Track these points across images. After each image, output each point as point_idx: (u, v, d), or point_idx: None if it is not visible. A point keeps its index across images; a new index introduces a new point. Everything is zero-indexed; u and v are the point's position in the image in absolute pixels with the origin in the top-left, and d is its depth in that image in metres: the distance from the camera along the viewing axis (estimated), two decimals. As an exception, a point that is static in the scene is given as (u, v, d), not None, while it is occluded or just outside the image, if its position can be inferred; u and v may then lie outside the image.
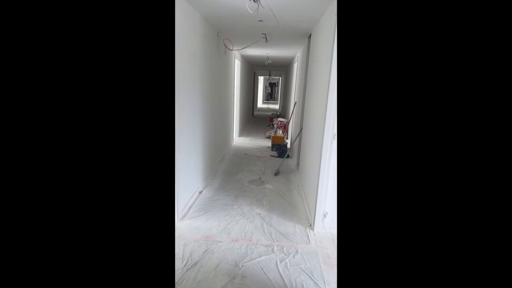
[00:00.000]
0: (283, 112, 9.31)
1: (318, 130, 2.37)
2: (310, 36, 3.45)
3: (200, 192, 3.02)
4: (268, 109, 14.53)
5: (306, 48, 3.70)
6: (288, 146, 5.39)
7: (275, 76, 13.28)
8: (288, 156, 4.73)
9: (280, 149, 4.85)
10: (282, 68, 9.40)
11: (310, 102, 3.05)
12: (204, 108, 3.07)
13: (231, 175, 3.71)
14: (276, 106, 16.43)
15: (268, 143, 5.91)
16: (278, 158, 4.65)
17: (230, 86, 4.77)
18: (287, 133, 6.50)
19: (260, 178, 3.63)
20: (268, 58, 5.68)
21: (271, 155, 4.83)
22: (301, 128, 3.80)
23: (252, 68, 9.30)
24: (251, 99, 10.14)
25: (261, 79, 15.54)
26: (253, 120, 9.72)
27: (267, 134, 6.52)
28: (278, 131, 6.15)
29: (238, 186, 3.30)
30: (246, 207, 2.73)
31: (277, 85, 18.77)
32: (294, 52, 5.26)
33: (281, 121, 6.67)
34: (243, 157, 4.65)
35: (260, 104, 16.48)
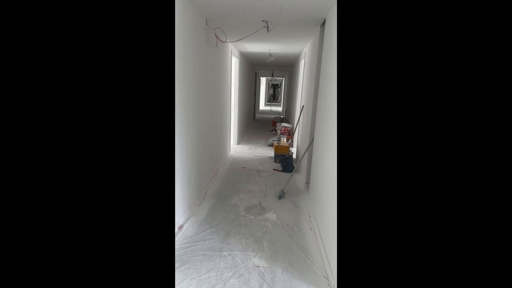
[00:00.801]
0: (287, 116, 8.54)
1: (335, 143, 1.62)
2: (324, 23, 2.70)
3: (180, 227, 2.28)
4: (271, 112, 13.77)
5: (318, 40, 2.95)
6: (294, 156, 4.63)
7: (278, 77, 12.56)
8: (294, 170, 3.98)
9: (284, 161, 4.10)
10: (286, 67, 8.65)
11: (325, 107, 2.30)
12: (189, 114, 2.33)
13: (223, 198, 2.96)
14: (279, 108, 15.68)
15: (271, 152, 5.16)
16: (283, 173, 3.90)
17: (225, 86, 4.03)
18: (292, 140, 5.74)
19: (260, 203, 2.88)
20: (270, 55, 4.95)
21: (274, 169, 4.08)
22: (312, 139, 3.04)
23: (253, 67, 8.57)
24: (252, 102, 9.40)
25: (263, 80, 14.80)
26: (254, 124, 8.98)
27: (269, 141, 5.77)
28: (282, 138, 5.40)
29: (231, 217, 2.55)
30: (240, 254, 1.98)
31: (280, 86, 18.09)
32: (301, 48, 4.51)
33: (285, 127, 5.91)
34: (241, 172, 3.90)
35: (262, 106, 15.74)
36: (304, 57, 4.36)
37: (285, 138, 5.41)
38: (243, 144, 5.86)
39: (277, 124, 7.54)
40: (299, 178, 3.72)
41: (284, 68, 8.74)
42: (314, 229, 2.34)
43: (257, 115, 11.30)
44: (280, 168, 4.08)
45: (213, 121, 3.44)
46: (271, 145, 5.71)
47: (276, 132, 6.61)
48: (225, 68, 3.91)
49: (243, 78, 6.19)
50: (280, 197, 3.01)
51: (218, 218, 2.50)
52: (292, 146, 5.59)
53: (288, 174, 3.83)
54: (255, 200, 2.95)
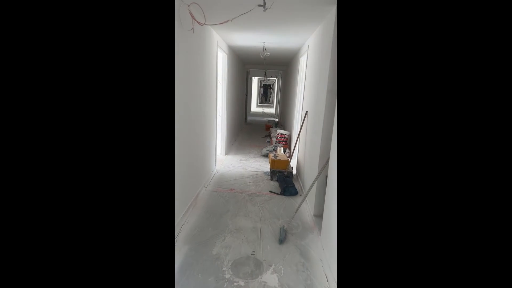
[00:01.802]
0: (282, 120, 7.72)
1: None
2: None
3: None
4: (263, 114, 12.94)
5: (334, 23, 2.14)
6: (294, 171, 3.81)
7: (271, 77, 11.75)
8: (295, 193, 3.15)
9: (283, 181, 3.26)
10: (281, 66, 7.83)
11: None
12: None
13: (202, 244, 2.10)
14: (272, 110, 14.87)
15: (265, 164, 4.33)
16: (282, 197, 3.07)
17: (209, 86, 3.17)
18: (291, 150, 4.92)
19: (253, 253, 2.03)
20: (265, 49, 4.11)
21: (270, 191, 3.24)
22: (327, 160, 2.22)
23: (244, 66, 7.72)
24: (244, 103, 8.55)
25: (255, 80, 13.97)
26: (246, 129, 8.12)
27: (264, 151, 4.93)
28: (278, 148, 4.58)
29: (210, 283, 1.69)
30: None
31: (272, 87, 17.28)
32: (301, 41, 3.69)
33: (281, 134, 5.09)
34: (228, 196, 3.05)
35: (254, 107, 14.90)
36: (307, 52, 3.55)
37: (282, 148, 4.58)
38: (233, 154, 4.99)
39: (272, 129, 6.72)
40: (304, 205, 2.89)
41: (279, 67, 7.92)
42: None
43: (249, 118, 10.45)
44: (278, 190, 3.24)
45: (194, 131, 2.58)
46: (266, 155, 4.87)
47: (271, 139, 5.78)
48: (207, 63, 3.05)
49: (233, 77, 5.33)
50: (281, 241, 2.17)
51: (189, 287, 1.64)
52: (291, 157, 4.77)
53: (289, 199, 3.00)
54: (246, 247, 2.10)
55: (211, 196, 3.03)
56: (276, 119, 10.35)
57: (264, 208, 2.80)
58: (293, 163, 4.18)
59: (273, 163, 3.64)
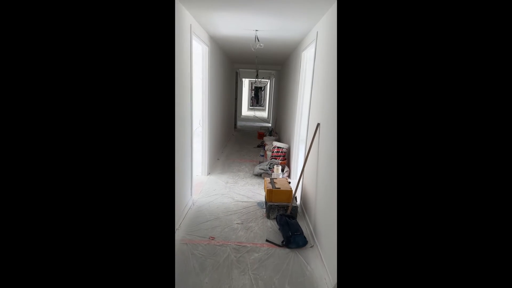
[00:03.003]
0: (277, 128, 6.73)
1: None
2: None
3: None
4: (255, 118, 11.95)
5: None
6: (298, 201, 2.82)
7: (263, 78, 10.79)
8: (304, 244, 2.17)
9: (286, 225, 2.26)
10: (274, 65, 6.87)
11: None
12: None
13: None
14: (264, 114, 13.90)
15: (259, 188, 3.33)
16: (284, 252, 2.07)
17: (181, 88, 2.16)
18: (290, 168, 3.93)
19: None
20: (257, 39, 3.13)
21: (267, 240, 2.23)
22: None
23: (233, 65, 6.72)
24: (233, 108, 7.54)
25: (245, 82, 12.98)
26: (236, 136, 7.10)
27: (257, 169, 3.92)
28: (275, 166, 3.59)
29: None
30: None
31: (264, 89, 16.34)
32: (307, 26, 2.73)
33: (278, 148, 4.10)
34: (206, 252, 2.03)
35: (244, 111, 13.90)
36: (315, 42, 2.59)
37: (279, 167, 3.59)
38: (218, 173, 3.97)
39: (266, 138, 5.73)
40: (315, 263, 1.90)
41: (272, 66, 6.96)
42: None
43: (239, 123, 9.44)
44: (279, 237, 2.25)
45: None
46: (259, 175, 3.87)
47: (265, 152, 4.78)
48: (182, 58, 2.04)
49: (219, 77, 4.33)
50: None
51: None
52: (288, 175, 3.80)
53: (296, 256, 2.01)
54: None
55: (178, 253, 2.00)
56: (269, 125, 9.38)
57: (258, 278, 1.79)
58: (295, 186, 3.19)
59: (270, 194, 2.64)
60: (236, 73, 7.68)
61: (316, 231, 2.20)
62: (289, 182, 2.88)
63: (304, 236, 2.17)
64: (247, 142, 6.46)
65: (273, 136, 6.06)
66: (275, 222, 2.51)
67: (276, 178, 2.94)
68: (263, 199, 3.04)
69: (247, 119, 11.55)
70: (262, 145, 5.85)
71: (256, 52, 4.70)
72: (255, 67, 6.74)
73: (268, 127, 8.20)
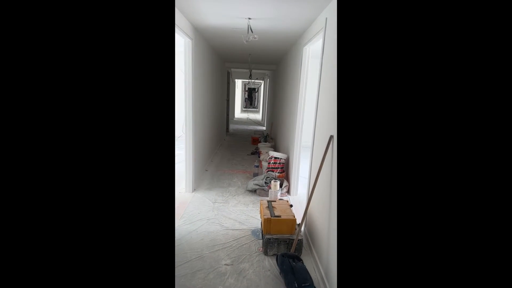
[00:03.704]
0: (272, 133, 6.16)
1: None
2: None
3: None
4: (248, 121, 11.39)
5: None
6: (302, 229, 2.26)
7: (257, 79, 10.25)
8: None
9: (291, 271, 1.70)
10: (269, 64, 6.33)
11: None
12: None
13: None
14: (258, 116, 13.36)
15: (254, 209, 2.77)
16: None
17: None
18: (289, 182, 3.39)
19: None
20: (250, 29, 2.58)
21: (265, 292, 1.68)
22: None
23: (224, 63, 6.15)
24: (225, 111, 6.97)
25: (238, 83, 12.40)
26: (228, 142, 6.53)
27: (250, 184, 3.36)
28: (272, 181, 3.04)
29: None
30: None
31: (258, 90, 15.80)
32: (313, 12, 2.20)
33: (275, 158, 3.55)
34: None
35: (238, 113, 13.33)
36: (323, 31, 2.05)
37: (277, 183, 3.04)
38: (205, 188, 3.40)
39: (260, 145, 5.18)
40: None
41: (267, 66, 6.42)
42: None
43: (231, 126, 8.87)
44: (280, 285, 1.69)
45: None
46: (253, 190, 3.32)
47: (260, 162, 4.22)
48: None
49: (207, 76, 3.76)
50: None
51: None
52: (288, 192, 3.24)
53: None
54: None
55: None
56: (264, 128, 8.83)
57: None
58: (297, 209, 2.65)
59: (268, 224, 2.07)
60: (228, 73, 7.12)
61: (329, 277, 1.65)
62: (291, 206, 2.34)
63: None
64: (240, 148, 5.89)
65: (269, 143, 5.51)
66: (275, 261, 1.96)
67: (274, 201, 2.39)
68: (259, 226, 2.48)
69: (240, 121, 10.98)
70: (256, 152, 5.30)
71: (249, 48, 4.15)
72: (248, 66, 6.19)
73: (262, 131, 7.66)
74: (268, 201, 2.36)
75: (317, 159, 2.09)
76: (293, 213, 2.19)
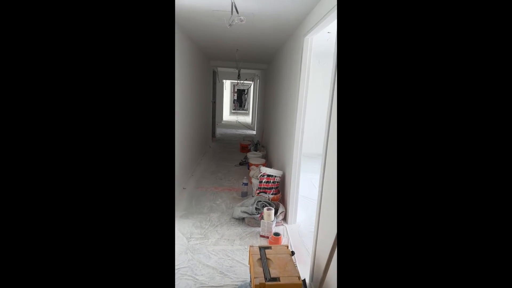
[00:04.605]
0: (264, 141, 5.49)
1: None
2: None
3: None
4: (238, 124, 10.68)
5: None
6: (307, 281, 1.60)
7: (246, 80, 9.58)
8: None
9: None
10: (259, 63, 5.66)
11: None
12: None
13: None
14: (248, 119, 12.67)
15: (242, 249, 2.07)
16: None
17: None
18: (286, 207, 2.71)
19: None
20: (236, 8, 1.91)
21: None
22: None
23: (209, 61, 5.44)
24: (210, 114, 6.25)
25: (227, 84, 11.69)
26: (213, 149, 5.81)
27: (237, 211, 2.67)
28: (265, 210, 2.36)
29: None
30: None
31: (248, 92, 15.11)
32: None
33: (269, 176, 2.88)
34: None
35: (226, 116, 12.59)
36: (336, 8, 1.40)
37: (272, 211, 2.37)
38: (180, 214, 2.68)
39: (250, 155, 4.50)
40: None
41: (256, 65, 5.75)
42: None
43: (218, 131, 8.15)
44: None
45: None
46: (241, 218, 2.64)
47: (250, 178, 3.53)
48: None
49: (186, 76, 3.06)
50: None
51: None
52: (285, 220, 2.56)
53: None
54: None
55: None
56: (254, 132, 8.16)
57: None
58: (307, 267, 1.99)
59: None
60: (214, 72, 6.42)
61: None
62: (292, 253, 1.67)
63: None
64: (227, 157, 5.19)
65: (260, 152, 4.84)
66: None
67: (269, 248, 1.71)
68: (248, 278, 1.80)
69: (229, 125, 10.27)
70: (245, 162, 4.62)
71: (236, 43, 3.48)
72: (236, 65, 5.51)
73: (252, 137, 6.99)
74: (260, 248, 1.68)
75: (330, 179, 1.43)
76: (297, 270, 1.52)
